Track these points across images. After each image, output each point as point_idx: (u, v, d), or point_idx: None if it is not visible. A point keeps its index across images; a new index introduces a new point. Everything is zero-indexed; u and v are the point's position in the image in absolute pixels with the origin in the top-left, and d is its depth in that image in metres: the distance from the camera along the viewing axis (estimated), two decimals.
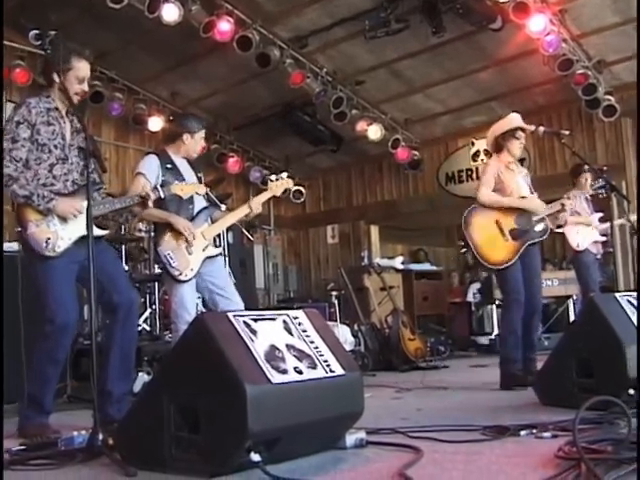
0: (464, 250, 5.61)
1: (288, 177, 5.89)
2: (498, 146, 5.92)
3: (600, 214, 8.18)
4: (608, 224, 8.64)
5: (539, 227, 5.75)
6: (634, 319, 3.96)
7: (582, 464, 2.47)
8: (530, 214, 5.76)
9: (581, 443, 2.63)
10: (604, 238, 8.12)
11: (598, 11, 8.58)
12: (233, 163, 11.84)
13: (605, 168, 7.63)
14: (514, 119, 5.89)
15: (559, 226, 6.34)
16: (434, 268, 13.22)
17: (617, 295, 4.11)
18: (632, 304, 4.03)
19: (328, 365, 3.13)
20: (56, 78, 4.18)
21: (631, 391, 3.67)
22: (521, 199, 5.80)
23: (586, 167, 7.60)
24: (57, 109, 4.27)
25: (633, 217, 8.39)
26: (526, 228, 5.72)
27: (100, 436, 3.26)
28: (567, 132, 5.98)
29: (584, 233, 8.05)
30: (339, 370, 3.15)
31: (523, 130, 5.88)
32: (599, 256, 8.18)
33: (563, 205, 5.90)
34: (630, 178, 10.23)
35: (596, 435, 2.96)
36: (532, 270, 5.76)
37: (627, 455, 2.59)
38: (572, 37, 8.92)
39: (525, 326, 5.64)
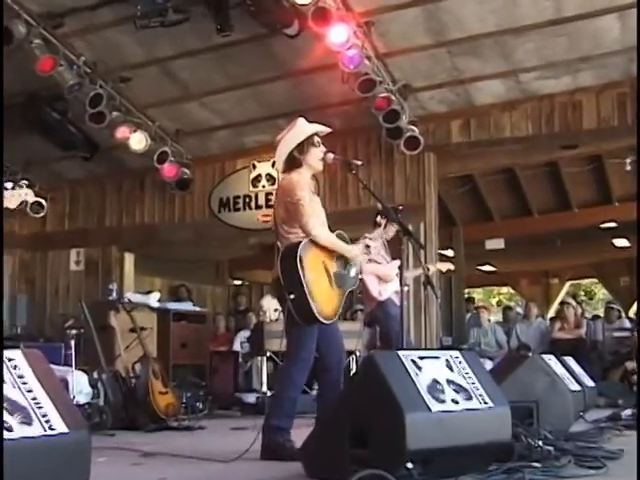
0: (292, 297, 5.25)
1: (28, 187, 5.59)
2: (294, 162, 5.56)
3: (399, 261, 8.44)
4: (415, 272, 8.94)
5: (353, 272, 5.66)
6: (418, 382, 4.07)
7: None
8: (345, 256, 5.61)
9: None
10: (406, 288, 8.33)
11: (408, 29, 8.95)
12: None
13: (401, 207, 7.89)
14: (306, 125, 5.62)
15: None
16: (197, 309, 13.11)
17: (400, 353, 4.21)
18: (417, 365, 4.15)
19: (47, 421, 2.97)
20: None
21: (409, 464, 3.77)
22: (347, 246, 5.60)
23: (379, 205, 7.84)
24: None
25: (433, 267, 8.77)
26: (344, 272, 5.59)
27: None
28: (359, 162, 5.92)
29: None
30: (61, 427, 3.00)
31: (318, 135, 5.62)
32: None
33: (368, 247, 5.98)
34: (430, 220, 10.72)
35: None
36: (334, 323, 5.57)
37: None
38: (377, 55, 9.26)
39: (333, 384, 5.54)
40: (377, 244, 7.72)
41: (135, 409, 8.24)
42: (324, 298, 5.31)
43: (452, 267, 9.53)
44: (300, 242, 5.32)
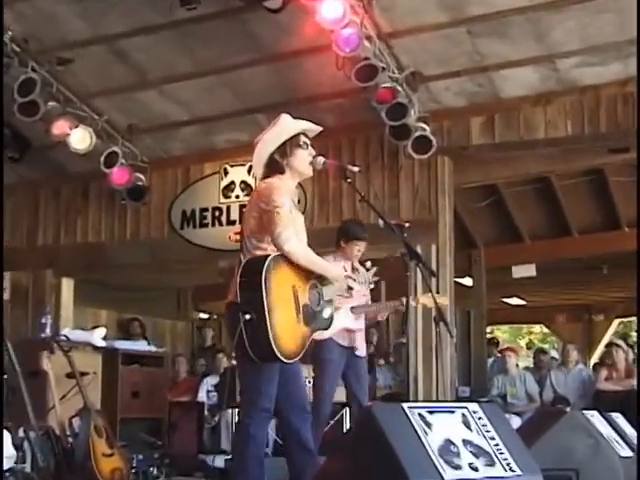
0: (248, 317, 5.11)
1: None
2: (275, 168, 5.53)
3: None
4: (381, 305, 8.80)
5: (327, 313, 5.61)
6: (427, 443, 4.02)
7: None
8: (320, 291, 5.55)
9: None
10: (359, 326, 8.20)
11: (418, 3, 8.93)
12: None
13: (407, 225, 7.82)
14: (290, 122, 5.62)
15: None
16: (153, 349, 13.05)
17: (406, 406, 4.16)
18: (426, 421, 4.10)
19: None
20: None
21: None
22: (328, 264, 5.69)
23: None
24: None
25: (414, 302, 8.66)
26: (315, 310, 5.50)
27: None
28: (356, 168, 5.95)
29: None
30: None
31: (306, 135, 5.61)
32: (362, 353, 8.24)
33: (350, 289, 5.95)
34: (443, 240, 10.64)
35: None
36: (295, 367, 5.56)
37: None
38: (380, 35, 9.23)
39: (301, 441, 5.46)
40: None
41: (71, 476, 8.18)
42: (286, 331, 5.18)
43: (446, 302, 9.22)
44: (269, 255, 5.23)
